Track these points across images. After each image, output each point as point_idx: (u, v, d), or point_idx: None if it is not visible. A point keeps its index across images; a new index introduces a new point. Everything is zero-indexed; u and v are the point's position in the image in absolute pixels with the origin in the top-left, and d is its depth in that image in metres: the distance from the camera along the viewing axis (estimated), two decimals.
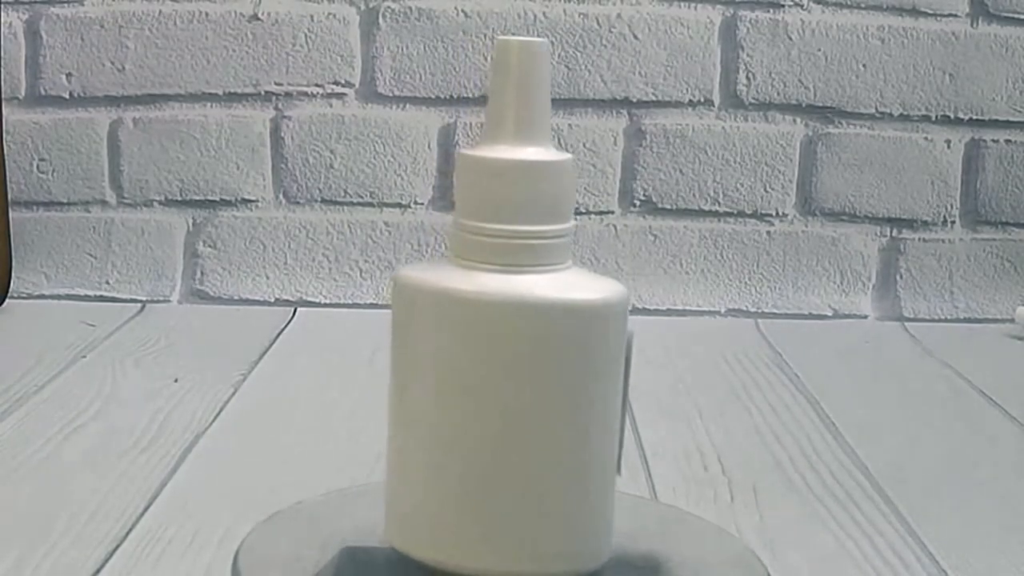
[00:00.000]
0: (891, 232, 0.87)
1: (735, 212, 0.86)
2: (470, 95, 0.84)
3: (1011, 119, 0.86)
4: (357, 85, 0.84)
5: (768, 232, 0.86)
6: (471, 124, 0.84)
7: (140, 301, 0.84)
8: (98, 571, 0.43)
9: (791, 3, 0.84)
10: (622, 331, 0.37)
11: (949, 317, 0.87)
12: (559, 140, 0.84)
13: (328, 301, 0.85)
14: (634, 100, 0.85)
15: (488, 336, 0.36)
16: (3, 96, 0.81)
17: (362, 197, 0.85)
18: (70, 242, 0.85)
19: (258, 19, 0.83)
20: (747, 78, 0.84)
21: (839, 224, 0.87)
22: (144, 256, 0.85)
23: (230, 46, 0.83)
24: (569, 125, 0.84)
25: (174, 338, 0.75)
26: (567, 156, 0.37)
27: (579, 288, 0.36)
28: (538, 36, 0.43)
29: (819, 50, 0.84)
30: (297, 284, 0.85)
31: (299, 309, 0.84)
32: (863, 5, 0.84)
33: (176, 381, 0.66)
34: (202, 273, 0.85)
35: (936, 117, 0.86)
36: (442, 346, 0.37)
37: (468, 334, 0.36)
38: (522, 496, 0.36)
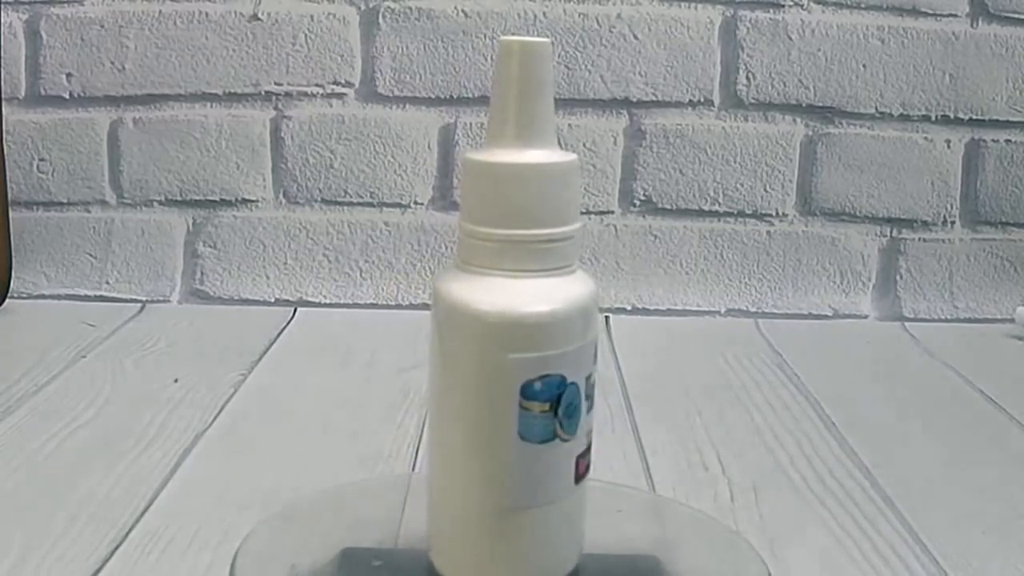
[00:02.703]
0: (891, 232, 0.87)
1: (735, 212, 0.86)
2: (470, 95, 0.84)
3: (1011, 119, 0.86)
4: (357, 85, 0.84)
5: (768, 232, 0.86)
6: (471, 124, 0.84)
7: (140, 301, 0.84)
8: (98, 571, 0.43)
9: (791, 3, 0.84)
10: (505, 348, 0.34)
11: (949, 317, 0.87)
12: (559, 140, 0.84)
13: (328, 301, 0.85)
14: (634, 100, 0.85)
15: (433, 336, 0.36)
16: (3, 96, 0.81)
17: (362, 197, 0.85)
18: (70, 242, 0.85)
19: (258, 19, 0.83)
20: (747, 78, 0.84)
21: (839, 224, 0.87)
22: (144, 256, 0.85)
23: (230, 46, 0.83)
24: (569, 125, 0.84)
25: (174, 338, 0.75)
26: (569, 157, 0.36)
27: (517, 298, 0.35)
28: (538, 36, 0.42)
29: (819, 50, 0.84)
30: (297, 284, 0.85)
31: (299, 309, 0.84)
32: (863, 5, 0.84)
33: (176, 381, 0.66)
34: (202, 273, 0.85)
35: (936, 117, 0.86)
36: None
37: (434, 334, 0.36)
38: (442, 509, 0.37)
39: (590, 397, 0.37)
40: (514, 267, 0.35)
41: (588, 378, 0.36)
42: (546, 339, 0.34)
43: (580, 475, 0.37)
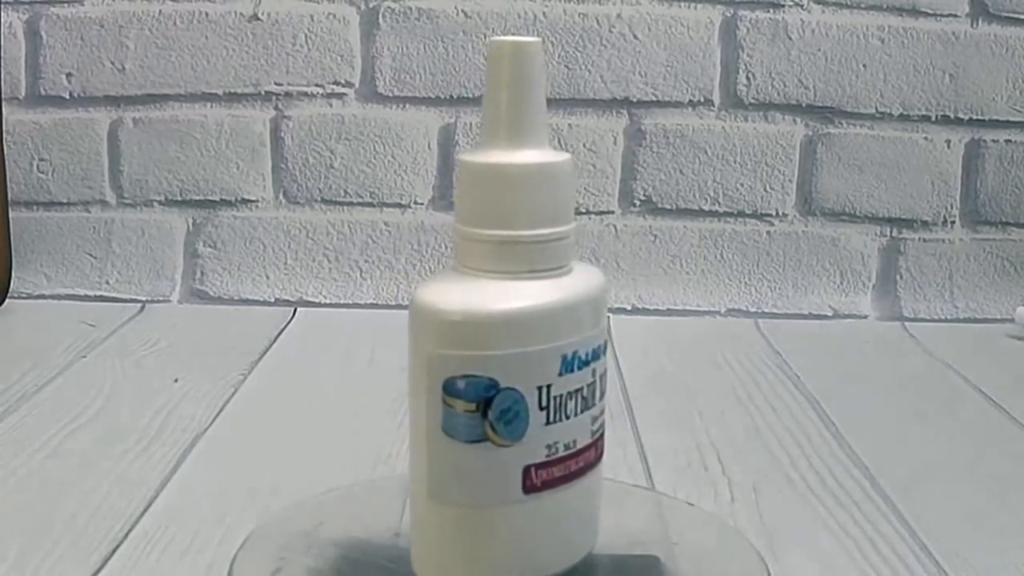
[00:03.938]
0: (891, 232, 0.87)
1: (735, 212, 0.86)
2: (470, 95, 0.84)
3: (1011, 119, 0.86)
4: (357, 85, 0.84)
5: (768, 232, 0.86)
6: (471, 124, 0.84)
7: (140, 301, 0.84)
8: (98, 571, 0.43)
9: (791, 3, 0.84)
10: (428, 343, 0.34)
11: (949, 317, 0.87)
12: (559, 140, 0.84)
13: (328, 301, 0.85)
14: (634, 100, 0.85)
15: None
16: (3, 96, 0.81)
17: (362, 197, 0.85)
18: (70, 242, 0.85)
19: (258, 19, 0.83)
20: (747, 78, 0.84)
21: (839, 224, 0.87)
22: (144, 256, 0.85)
23: (230, 46, 0.83)
24: (569, 125, 0.84)
25: (174, 338, 0.75)
26: (558, 158, 0.36)
27: (467, 298, 0.35)
28: (538, 36, 0.42)
29: (819, 50, 0.84)
30: (297, 284, 0.85)
31: (299, 309, 0.84)
32: (863, 5, 0.84)
33: (176, 381, 0.66)
34: (202, 273, 0.85)
35: (936, 117, 0.86)
36: None
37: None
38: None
39: (549, 408, 0.35)
40: (497, 268, 0.35)
41: (546, 388, 0.35)
42: (471, 340, 0.34)
43: (533, 486, 0.35)
